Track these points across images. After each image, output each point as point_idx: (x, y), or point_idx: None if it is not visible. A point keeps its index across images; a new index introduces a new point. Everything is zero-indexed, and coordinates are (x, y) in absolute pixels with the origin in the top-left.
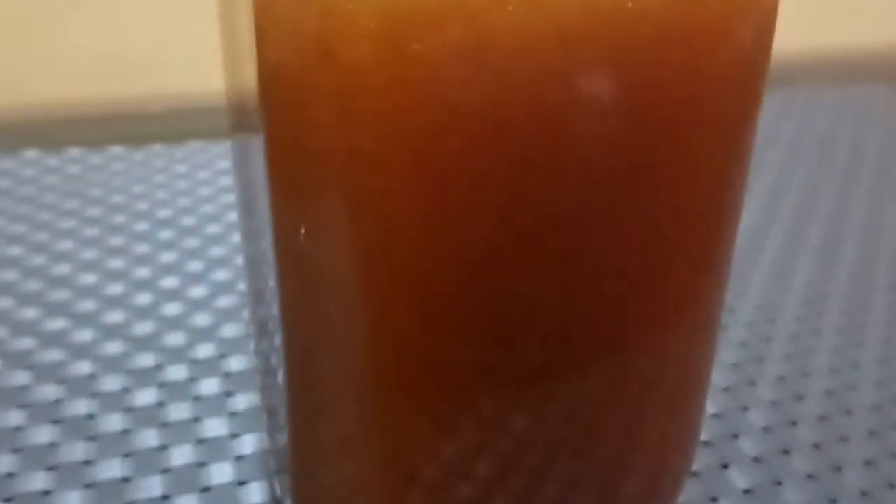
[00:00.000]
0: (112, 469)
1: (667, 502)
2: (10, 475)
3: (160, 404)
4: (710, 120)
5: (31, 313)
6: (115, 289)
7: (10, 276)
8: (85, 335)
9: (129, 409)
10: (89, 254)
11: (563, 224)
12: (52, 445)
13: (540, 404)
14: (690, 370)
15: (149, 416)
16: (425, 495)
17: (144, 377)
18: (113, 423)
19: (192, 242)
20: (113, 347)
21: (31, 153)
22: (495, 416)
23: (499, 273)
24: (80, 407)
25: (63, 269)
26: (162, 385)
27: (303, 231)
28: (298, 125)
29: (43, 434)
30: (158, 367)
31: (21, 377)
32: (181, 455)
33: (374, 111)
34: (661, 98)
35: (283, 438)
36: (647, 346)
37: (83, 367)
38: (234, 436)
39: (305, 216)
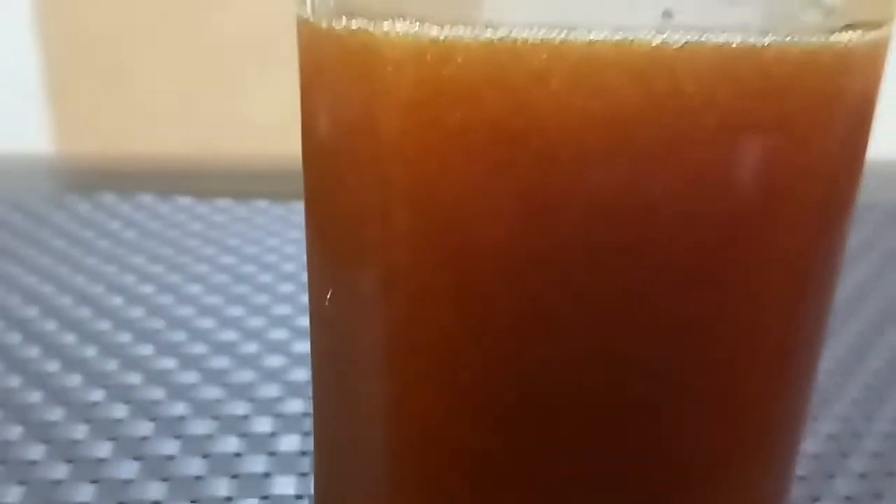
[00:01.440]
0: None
1: None
2: None
3: (237, 455)
4: (780, 232)
5: (145, 350)
6: (227, 335)
7: (136, 313)
8: (188, 377)
9: (207, 455)
10: (212, 299)
11: (599, 316)
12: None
13: None
14: None
15: (224, 463)
16: None
17: (229, 425)
18: (189, 466)
19: (306, 298)
20: (210, 392)
21: (184, 200)
22: None
23: (526, 361)
24: (166, 447)
25: (185, 311)
26: (243, 435)
27: (328, 296)
28: (334, 190)
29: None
30: (244, 418)
31: (119, 410)
32: None
33: (407, 181)
34: (722, 196)
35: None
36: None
37: (177, 408)
38: (298, 497)
39: (333, 281)
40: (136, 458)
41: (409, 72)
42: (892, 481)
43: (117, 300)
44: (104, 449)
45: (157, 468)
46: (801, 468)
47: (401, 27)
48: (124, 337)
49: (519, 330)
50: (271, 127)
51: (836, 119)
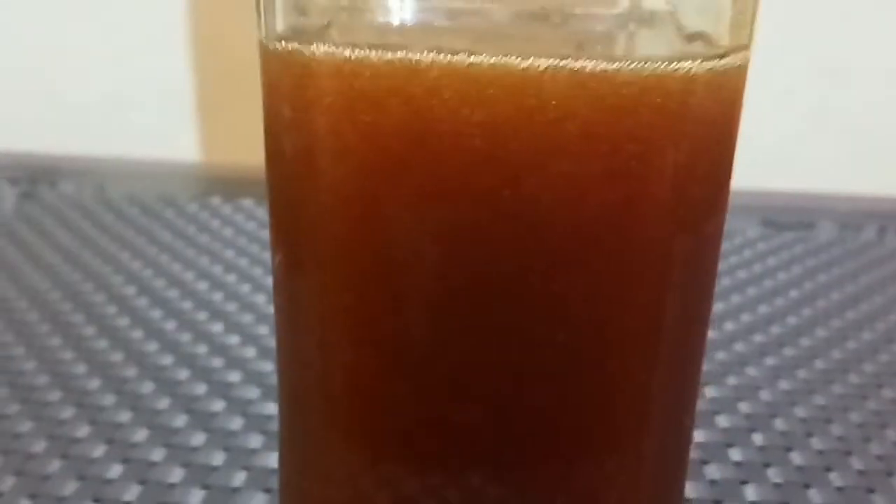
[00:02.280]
0: None
1: None
2: None
3: None
4: (636, 227)
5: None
6: None
7: (259, 299)
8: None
9: None
10: None
11: (486, 285)
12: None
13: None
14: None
15: None
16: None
17: None
18: None
19: None
20: None
21: None
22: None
23: (432, 324)
24: (271, 460)
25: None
26: None
27: (277, 261)
28: (281, 179)
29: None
30: None
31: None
32: None
33: (331, 172)
34: (586, 195)
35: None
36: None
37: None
38: None
39: (282, 252)
40: (245, 469)
41: (331, 83)
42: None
43: (245, 287)
44: (218, 458)
45: (264, 479)
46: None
47: (324, 49)
48: (262, 329)
49: (425, 298)
50: None
51: (683, 135)
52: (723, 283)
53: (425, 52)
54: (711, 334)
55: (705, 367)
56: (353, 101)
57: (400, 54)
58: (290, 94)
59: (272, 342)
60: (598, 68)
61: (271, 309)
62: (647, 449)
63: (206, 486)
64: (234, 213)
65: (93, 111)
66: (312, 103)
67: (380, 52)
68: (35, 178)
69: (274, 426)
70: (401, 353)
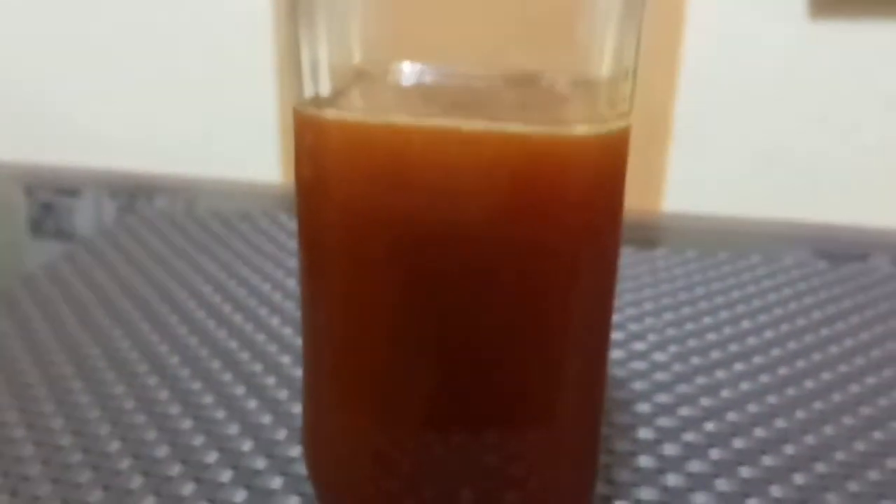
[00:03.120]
0: None
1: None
2: None
3: None
4: (544, 258)
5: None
6: None
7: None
8: None
9: None
10: None
11: (444, 290)
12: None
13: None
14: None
15: None
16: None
17: None
18: None
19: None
20: None
21: None
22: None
23: (404, 310)
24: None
25: None
26: None
27: (299, 267)
28: (303, 210)
29: None
30: None
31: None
32: None
33: (337, 205)
34: (509, 231)
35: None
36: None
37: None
38: None
39: (303, 260)
40: None
41: (336, 136)
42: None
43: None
44: None
45: None
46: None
47: (331, 113)
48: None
49: (398, 295)
50: None
51: (576, 188)
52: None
53: (395, 117)
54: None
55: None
56: (353, 149)
57: (380, 119)
58: (310, 144)
59: None
60: (510, 130)
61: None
62: (561, 412)
63: None
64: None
65: (187, 138)
66: (324, 150)
67: (364, 115)
68: (133, 193)
69: None
70: (380, 341)
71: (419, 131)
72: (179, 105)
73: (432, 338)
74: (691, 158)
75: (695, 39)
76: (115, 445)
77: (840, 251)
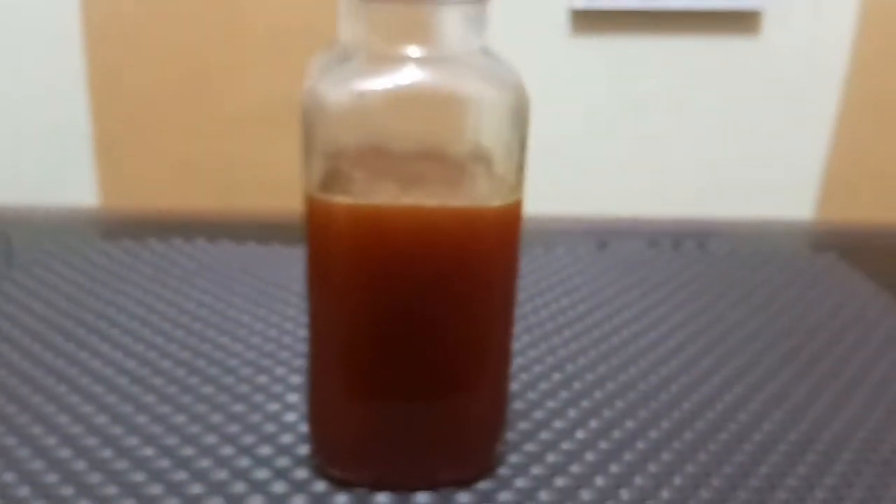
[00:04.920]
0: None
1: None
2: None
3: None
4: (473, 292)
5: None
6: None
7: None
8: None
9: None
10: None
11: (407, 315)
12: None
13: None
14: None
15: None
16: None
17: None
18: None
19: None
20: None
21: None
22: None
23: (385, 323)
24: None
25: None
26: None
27: (307, 288)
28: (311, 265)
29: None
30: None
31: None
32: None
33: (338, 267)
34: (446, 280)
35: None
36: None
37: None
38: None
39: (311, 285)
40: None
41: (336, 213)
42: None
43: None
44: None
45: None
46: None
47: (327, 197)
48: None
49: (377, 315)
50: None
51: (490, 246)
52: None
53: (364, 199)
54: None
55: None
56: (347, 223)
57: (363, 201)
58: (316, 221)
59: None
60: (436, 205)
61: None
62: (486, 383)
63: None
64: (124, 254)
65: None
66: (328, 224)
67: (348, 198)
68: None
69: None
70: (365, 346)
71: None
72: None
73: (400, 341)
74: None
75: None
76: None
77: (612, 239)
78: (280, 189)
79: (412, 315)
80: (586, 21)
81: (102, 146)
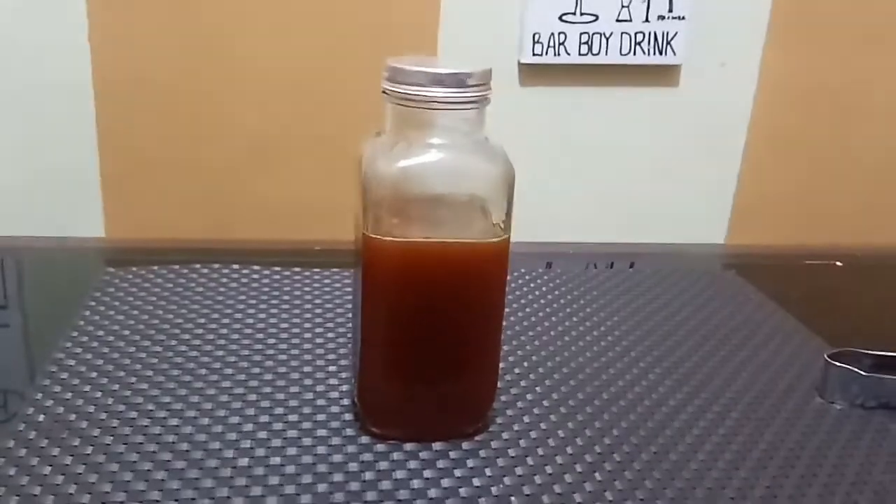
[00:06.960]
0: None
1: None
2: None
3: None
4: (474, 303)
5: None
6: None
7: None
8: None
9: None
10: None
11: (431, 319)
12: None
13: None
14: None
15: None
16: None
17: None
18: None
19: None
20: None
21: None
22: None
23: (411, 326)
24: None
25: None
26: None
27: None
28: (362, 284)
29: None
30: None
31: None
32: None
33: (381, 291)
34: (460, 296)
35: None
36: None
37: None
38: None
39: (362, 295)
40: None
41: (383, 248)
42: None
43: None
44: None
45: None
46: None
47: (378, 237)
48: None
49: (412, 318)
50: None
51: (490, 273)
52: None
53: (400, 238)
54: None
55: None
56: (391, 257)
57: (400, 237)
58: (366, 253)
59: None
60: (451, 240)
61: None
62: (482, 367)
63: None
64: (121, 282)
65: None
66: (377, 256)
67: (388, 235)
68: None
69: None
70: (401, 343)
71: (420, 245)
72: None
73: (424, 338)
74: None
75: None
76: None
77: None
78: (278, 220)
79: (434, 318)
80: (533, 73)
81: (109, 184)
